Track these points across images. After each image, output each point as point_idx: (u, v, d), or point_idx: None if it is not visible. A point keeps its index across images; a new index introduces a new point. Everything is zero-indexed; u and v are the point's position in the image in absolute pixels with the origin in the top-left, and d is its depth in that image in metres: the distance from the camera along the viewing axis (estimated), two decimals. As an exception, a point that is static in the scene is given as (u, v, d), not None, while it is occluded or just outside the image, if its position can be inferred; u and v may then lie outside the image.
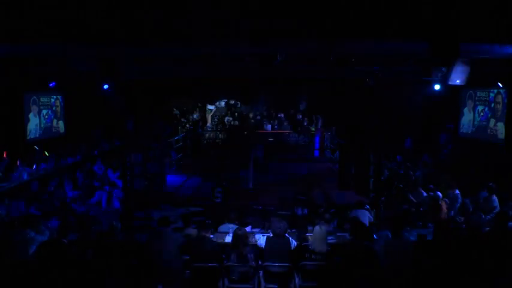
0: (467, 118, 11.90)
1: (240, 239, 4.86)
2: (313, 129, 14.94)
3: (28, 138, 11.43)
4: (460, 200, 7.92)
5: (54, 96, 12.85)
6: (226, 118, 15.37)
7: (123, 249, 4.87)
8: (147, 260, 4.86)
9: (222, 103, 15.81)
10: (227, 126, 15.12)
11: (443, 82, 7.50)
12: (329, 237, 5.49)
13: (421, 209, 7.82)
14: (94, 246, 4.94)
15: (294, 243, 5.09)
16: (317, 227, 5.16)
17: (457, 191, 8.02)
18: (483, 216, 6.80)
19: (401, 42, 6.73)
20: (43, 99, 12.24)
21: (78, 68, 8.46)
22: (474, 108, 11.68)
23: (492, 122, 10.73)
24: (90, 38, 6.57)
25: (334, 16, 6.09)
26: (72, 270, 4.46)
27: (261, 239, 5.21)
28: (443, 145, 12.86)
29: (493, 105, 10.76)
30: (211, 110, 15.62)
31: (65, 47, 6.73)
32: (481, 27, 6.31)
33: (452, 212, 7.74)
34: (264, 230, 6.10)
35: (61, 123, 13.23)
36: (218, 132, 14.97)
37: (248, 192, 9.58)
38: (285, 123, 15.55)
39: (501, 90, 10.38)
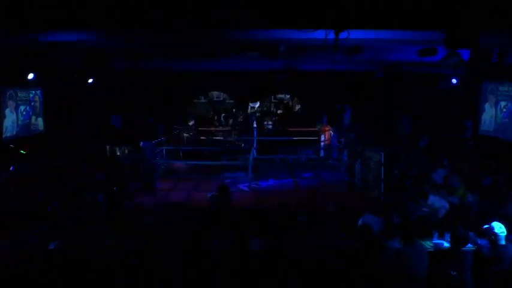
0: (489, 114, 11.76)
1: None
2: (319, 126, 15.15)
3: (4, 136, 11.32)
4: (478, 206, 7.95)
5: (33, 91, 12.68)
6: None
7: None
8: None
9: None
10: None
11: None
12: (337, 244, 5.60)
13: (438, 215, 7.75)
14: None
15: None
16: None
17: (477, 196, 8.06)
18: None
19: (413, 32, 6.81)
20: (21, 94, 12.14)
21: (61, 59, 8.46)
22: (496, 104, 11.57)
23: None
24: (76, 24, 6.48)
25: (340, 4, 6.16)
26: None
27: None
28: (462, 144, 12.85)
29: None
30: (254, 108, 16.01)
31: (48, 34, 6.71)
32: (503, 14, 6.21)
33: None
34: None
35: (40, 120, 13.09)
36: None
37: (244, 196, 9.70)
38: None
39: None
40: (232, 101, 17.77)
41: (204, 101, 17.70)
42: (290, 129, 15.88)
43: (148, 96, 15.13)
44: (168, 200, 9.66)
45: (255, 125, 14.64)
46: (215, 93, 17.93)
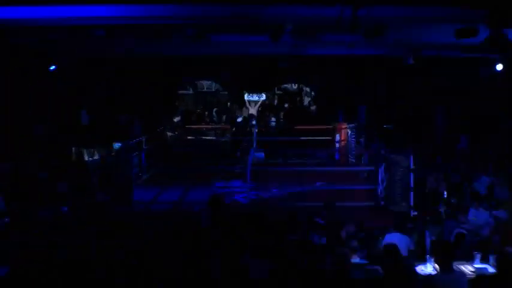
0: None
1: None
2: (333, 124, 15.16)
3: None
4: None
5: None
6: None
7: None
8: None
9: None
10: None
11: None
12: (356, 272, 5.53)
13: (481, 233, 7.86)
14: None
15: None
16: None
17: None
18: None
19: (449, 8, 6.93)
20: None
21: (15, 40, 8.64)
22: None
23: None
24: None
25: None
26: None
27: None
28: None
29: None
30: (255, 101, 15.90)
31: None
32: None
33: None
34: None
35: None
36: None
37: (243, 209, 9.67)
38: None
39: None
40: (226, 93, 17.66)
41: (191, 92, 17.68)
42: (298, 127, 15.78)
43: (123, 87, 15.18)
44: (148, 214, 9.68)
45: (253, 122, 14.59)
46: (205, 83, 17.85)
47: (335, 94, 16.36)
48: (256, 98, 15.95)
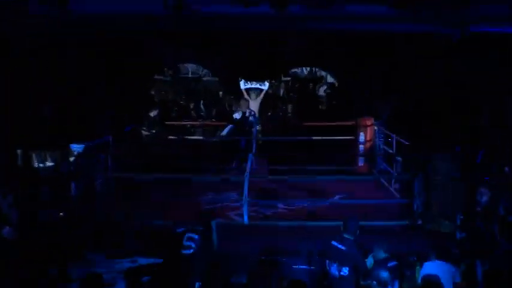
0: None
1: None
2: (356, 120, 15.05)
3: None
4: None
5: None
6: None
7: None
8: None
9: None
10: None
11: None
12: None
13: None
14: None
15: None
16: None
17: None
18: None
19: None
20: None
21: None
22: None
23: None
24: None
25: None
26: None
27: None
28: None
29: None
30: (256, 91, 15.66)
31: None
32: None
33: None
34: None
35: None
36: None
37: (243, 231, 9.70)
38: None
39: None
40: (216, 79, 17.63)
41: (168, 79, 17.72)
42: (310, 123, 15.92)
43: (80, 70, 14.90)
44: (115, 236, 9.56)
45: (252, 118, 14.33)
46: (189, 67, 17.79)
47: (358, 81, 16.37)
48: (257, 87, 15.79)
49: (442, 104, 14.72)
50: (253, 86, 15.11)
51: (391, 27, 12.24)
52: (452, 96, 14.62)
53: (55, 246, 8.38)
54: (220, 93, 17.30)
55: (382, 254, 7.39)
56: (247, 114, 14.12)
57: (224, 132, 14.41)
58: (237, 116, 14.42)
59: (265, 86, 15.05)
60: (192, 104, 17.14)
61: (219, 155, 14.49)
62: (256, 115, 14.51)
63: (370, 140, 14.61)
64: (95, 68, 15.25)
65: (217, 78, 17.89)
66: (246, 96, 14.82)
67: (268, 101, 16.91)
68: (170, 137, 15.51)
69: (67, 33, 12.54)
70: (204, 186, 12.32)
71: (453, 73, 14.63)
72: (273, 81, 17.71)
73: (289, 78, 18.55)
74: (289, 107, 17.08)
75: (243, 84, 15.04)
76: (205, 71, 18.03)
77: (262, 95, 14.91)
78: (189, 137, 15.81)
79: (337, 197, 11.97)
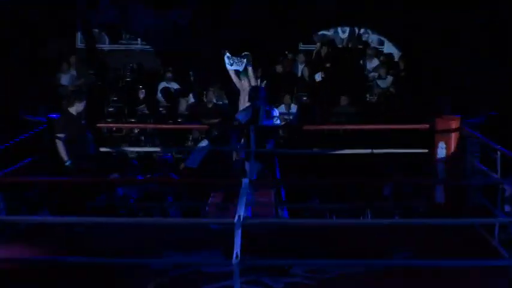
0: None
1: None
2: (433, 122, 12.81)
3: None
4: None
5: None
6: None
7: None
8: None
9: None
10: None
11: None
12: None
13: None
14: None
15: None
16: None
17: None
18: None
19: None
20: None
21: None
22: None
23: None
24: None
25: None
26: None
27: None
28: None
29: None
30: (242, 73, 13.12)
31: None
32: None
33: None
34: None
35: None
36: None
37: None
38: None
39: None
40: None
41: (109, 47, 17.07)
42: (348, 127, 14.21)
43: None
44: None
45: (240, 117, 11.84)
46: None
47: (432, 57, 15.29)
48: (240, 67, 12.71)
49: None
50: (238, 65, 12.55)
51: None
52: None
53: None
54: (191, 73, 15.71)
55: None
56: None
57: (241, 117, 11.81)
58: (241, 117, 12.03)
59: (242, 64, 12.52)
60: (142, 90, 15.25)
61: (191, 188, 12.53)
62: (245, 114, 11.70)
63: (456, 155, 11.80)
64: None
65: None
66: (235, 79, 12.17)
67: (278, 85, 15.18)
68: (103, 149, 12.40)
69: None
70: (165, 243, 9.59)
71: None
72: (286, 52, 16.10)
73: (314, 46, 16.73)
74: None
75: (228, 62, 12.52)
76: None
77: (253, 77, 12.16)
78: (132, 150, 13.83)
79: (396, 257, 8.67)
